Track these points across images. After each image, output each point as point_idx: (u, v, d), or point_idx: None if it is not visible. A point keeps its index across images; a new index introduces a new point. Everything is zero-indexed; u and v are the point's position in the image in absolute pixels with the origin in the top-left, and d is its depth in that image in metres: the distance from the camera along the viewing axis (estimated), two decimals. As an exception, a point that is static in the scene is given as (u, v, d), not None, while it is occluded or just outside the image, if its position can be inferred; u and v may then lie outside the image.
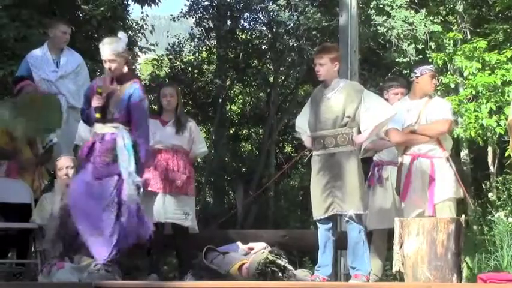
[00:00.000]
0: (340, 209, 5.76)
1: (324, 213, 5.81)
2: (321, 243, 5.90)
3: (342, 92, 5.87)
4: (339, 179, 5.74)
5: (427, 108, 6.30)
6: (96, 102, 5.35)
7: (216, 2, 16.10)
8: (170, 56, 16.84)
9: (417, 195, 6.15)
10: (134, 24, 14.30)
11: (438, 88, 11.53)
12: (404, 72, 12.84)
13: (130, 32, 14.06)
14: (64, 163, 6.03)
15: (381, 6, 12.82)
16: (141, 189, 5.35)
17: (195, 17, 16.47)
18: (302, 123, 6.14)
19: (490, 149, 12.77)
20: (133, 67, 15.12)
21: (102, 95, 5.34)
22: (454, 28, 13.67)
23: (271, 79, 16.92)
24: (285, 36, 14.91)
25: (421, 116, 6.27)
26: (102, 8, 11.75)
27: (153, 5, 13.42)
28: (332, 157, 5.80)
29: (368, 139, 5.99)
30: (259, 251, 6.14)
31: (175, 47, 16.84)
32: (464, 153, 13.97)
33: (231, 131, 18.02)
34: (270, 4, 14.19)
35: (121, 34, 5.51)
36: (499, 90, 10.82)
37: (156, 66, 17.04)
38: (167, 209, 6.38)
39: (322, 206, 5.80)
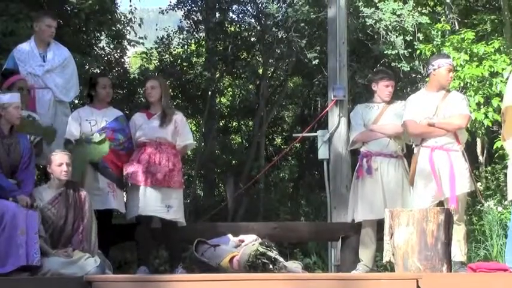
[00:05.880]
0: None
1: None
2: None
3: None
4: None
5: (444, 102, 6.32)
6: None
7: (204, -6, 16.05)
8: (159, 49, 16.76)
9: (433, 187, 6.17)
10: (122, 17, 14.24)
11: (426, 80, 11.55)
12: (393, 64, 12.84)
13: (118, 25, 14.03)
14: (63, 159, 5.97)
15: (369, -3, 12.81)
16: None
17: (184, 10, 16.38)
18: None
19: (478, 140, 12.80)
20: (122, 60, 15.11)
21: None
22: (442, 19, 13.66)
23: (260, 71, 16.87)
24: (273, 29, 14.85)
25: (439, 110, 6.30)
26: (90, 1, 11.67)
27: (141, -3, 13.39)
28: None
29: None
30: (249, 243, 6.15)
31: (164, 40, 16.74)
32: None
33: (221, 124, 17.95)
34: (258, -4, 14.15)
35: None
36: (487, 82, 10.83)
37: (145, 60, 16.96)
38: (148, 202, 6.32)
39: None
